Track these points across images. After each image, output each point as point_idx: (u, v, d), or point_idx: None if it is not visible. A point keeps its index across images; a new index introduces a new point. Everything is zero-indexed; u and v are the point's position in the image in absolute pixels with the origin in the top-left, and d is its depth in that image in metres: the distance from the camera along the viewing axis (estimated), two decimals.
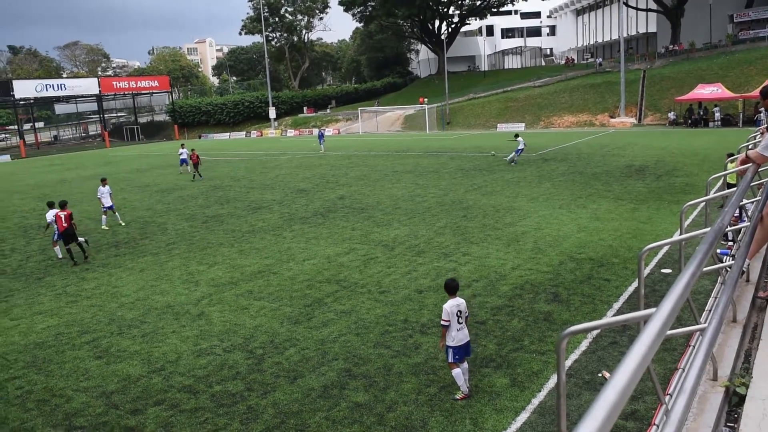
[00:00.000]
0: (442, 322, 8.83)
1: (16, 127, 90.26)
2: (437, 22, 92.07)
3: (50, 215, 18.94)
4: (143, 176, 40.67)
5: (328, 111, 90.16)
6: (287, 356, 10.74)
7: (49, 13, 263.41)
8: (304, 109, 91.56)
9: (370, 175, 32.78)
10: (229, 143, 73.49)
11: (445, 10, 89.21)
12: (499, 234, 18.05)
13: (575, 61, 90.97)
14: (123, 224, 23.66)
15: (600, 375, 9.28)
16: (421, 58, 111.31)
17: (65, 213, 18.14)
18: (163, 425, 8.78)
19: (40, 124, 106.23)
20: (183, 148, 40.58)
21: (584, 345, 10.33)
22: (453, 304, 8.85)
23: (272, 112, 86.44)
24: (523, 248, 16.42)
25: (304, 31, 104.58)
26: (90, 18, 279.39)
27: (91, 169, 48.93)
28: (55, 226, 18.59)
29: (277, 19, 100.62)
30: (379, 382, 9.54)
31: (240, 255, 17.81)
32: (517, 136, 34.36)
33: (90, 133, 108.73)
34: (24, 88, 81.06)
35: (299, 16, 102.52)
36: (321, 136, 51.89)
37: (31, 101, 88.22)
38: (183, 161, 39.66)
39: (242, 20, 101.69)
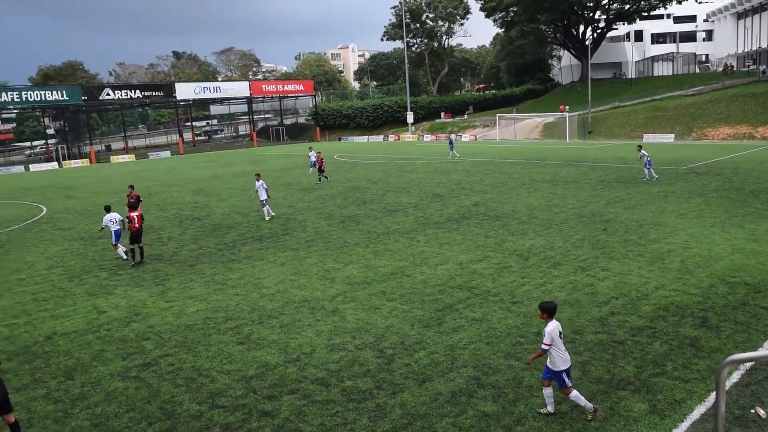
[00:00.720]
0: (544, 346, 8.43)
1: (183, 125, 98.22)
2: (582, 28, 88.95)
3: (107, 219, 19.87)
4: (286, 175, 42.78)
5: (466, 117, 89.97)
6: (417, 359, 10.84)
7: (209, 22, 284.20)
8: (442, 114, 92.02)
9: (506, 183, 32.31)
10: (367, 146, 75.41)
11: (591, 14, 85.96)
12: (642, 250, 17.10)
13: (734, 69, 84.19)
14: (267, 219, 25.00)
15: (753, 411, 8.53)
16: (563, 65, 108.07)
17: (137, 213, 19.20)
18: (296, 413, 9.17)
19: (202, 123, 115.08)
20: (312, 151, 42.29)
21: (735, 377, 9.54)
22: (554, 326, 8.52)
23: (410, 117, 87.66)
24: (669, 267, 15.44)
25: (444, 37, 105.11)
26: (244, 26, 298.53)
27: (240, 167, 52.18)
28: (113, 228, 19.69)
29: (418, 25, 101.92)
30: (509, 393, 9.38)
31: (374, 256, 18.22)
32: (640, 148, 32.22)
33: (240, 133, 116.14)
34: (184, 90, 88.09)
35: (440, 22, 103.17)
36: (451, 142, 51.84)
37: (190, 102, 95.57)
38: (313, 163, 41.18)
39: (384, 27, 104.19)
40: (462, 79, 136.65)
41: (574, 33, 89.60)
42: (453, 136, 61.25)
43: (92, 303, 15.40)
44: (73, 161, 78.79)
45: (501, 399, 9.22)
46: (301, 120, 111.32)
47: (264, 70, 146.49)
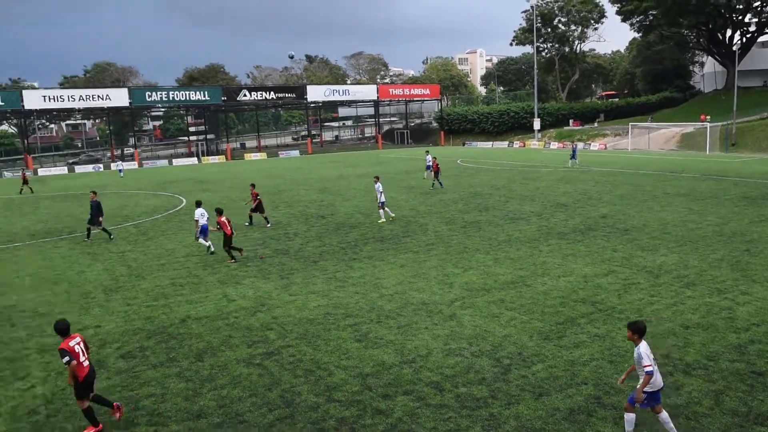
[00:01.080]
0: (648, 369, 7.82)
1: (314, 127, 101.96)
2: (729, 32, 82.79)
3: (198, 213, 21.06)
4: (409, 178, 43.22)
5: (596, 125, 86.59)
6: (534, 371, 10.57)
7: (341, 27, 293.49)
8: (570, 121, 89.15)
9: (636, 195, 30.76)
10: (491, 152, 74.55)
11: (740, 18, 79.70)
12: None
13: None
14: (384, 221, 25.37)
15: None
16: (706, 71, 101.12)
17: (226, 219, 19.92)
18: (409, 414, 9.24)
19: (334, 124, 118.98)
20: (428, 155, 41.95)
21: None
22: (646, 346, 7.96)
23: (537, 123, 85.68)
24: None
25: (576, 42, 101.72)
26: (374, 30, 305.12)
27: (364, 168, 53.37)
28: (201, 222, 20.81)
29: (549, 29, 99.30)
30: None
31: (495, 263, 17.99)
32: None
33: (365, 135, 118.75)
34: (315, 93, 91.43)
35: (573, 27, 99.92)
36: (574, 150, 49.97)
37: (320, 104, 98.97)
38: (428, 167, 40.87)
39: (514, 31, 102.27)
40: (593, 86, 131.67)
41: (720, 38, 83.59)
42: (577, 144, 59.15)
43: (223, 291, 16.35)
44: (210, 157, 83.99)
45: (623, 422, 8.78)
46: (426, 123, 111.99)
47: (391, 73, 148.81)
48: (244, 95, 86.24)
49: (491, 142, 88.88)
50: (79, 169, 75.48)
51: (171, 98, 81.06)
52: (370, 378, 10.59)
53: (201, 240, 21.07)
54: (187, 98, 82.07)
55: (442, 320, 13.32)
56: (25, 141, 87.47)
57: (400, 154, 73.29)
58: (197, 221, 21.05)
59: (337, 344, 12.22)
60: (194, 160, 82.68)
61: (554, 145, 79.39)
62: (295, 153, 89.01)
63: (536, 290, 15.14)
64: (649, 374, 7.88)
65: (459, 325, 12.94)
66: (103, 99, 76.70)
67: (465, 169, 49.06)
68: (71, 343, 9.20)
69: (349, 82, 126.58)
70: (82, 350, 9.32)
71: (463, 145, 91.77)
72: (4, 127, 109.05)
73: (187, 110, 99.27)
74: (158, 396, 10.29)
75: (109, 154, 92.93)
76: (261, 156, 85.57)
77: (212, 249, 20.79)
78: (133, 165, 75.56)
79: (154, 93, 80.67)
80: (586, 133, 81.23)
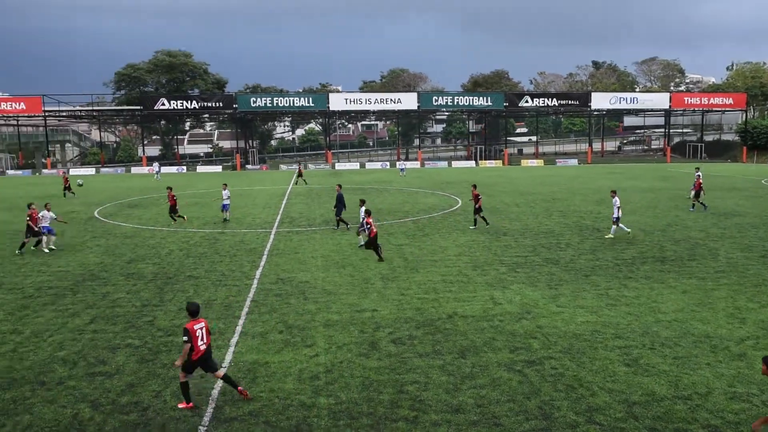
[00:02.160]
0: None
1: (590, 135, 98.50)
2: None
3: (225, 194, 24.13)
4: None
5: None
6: None
7: (632, 31, 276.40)
8: None
9: None
10: None
11: None
12: None
13: None
14: (612, 236, 24.17)
15: None
16: None
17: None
18: None
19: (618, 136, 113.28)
20: (697, 171, 35.58)
21: None
22: None
23: None
24: None
25: None
26: (670, 34, 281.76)
27: (648, 182, 49.78)
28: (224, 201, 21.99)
29: None
30: None
31: None
32: None
33: (652, 147, 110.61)
34: (600, 100, 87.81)
35: None
36: None
37: (604, 112, 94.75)
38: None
39: None
40: None
41: None
42: None
43: (490, 294, 16.61)
44: (488, 161, 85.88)
45: None
46: (726, 137, 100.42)
47: (688, 81, 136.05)
48: (526, 101, 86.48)
49: None
50: (369, 165, 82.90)
51: (456, 103, 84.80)
52: (636, 407, 9.87)
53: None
54: (470, 103, 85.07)
55: (728, 358, 11.84)
56: (328, 138, 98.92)
57: (689, 169, 66.75)
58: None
59: (603, 365, 11.61)
60: (472, 163, 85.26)
61: None
62: (573, 162, 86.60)
63: None
64: None
65: (749, 367, 11.39)
66: (395, 102, 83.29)
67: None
68: (195, 326, 10.01)
69: (638, 89, 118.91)
70: (203, 335, 10.11)
71: None
72: (312, 125, 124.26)
73: (469, 114, 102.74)
74: (421, 384, 10.85)
75: (395, 155, 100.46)
76: (538, 163, 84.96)
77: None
78: (415, 164, 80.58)
79: (440, 97, 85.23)
80: None
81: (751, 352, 12.13)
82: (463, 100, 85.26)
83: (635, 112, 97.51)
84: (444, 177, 58.77)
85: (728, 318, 14.28)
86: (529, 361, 11.82)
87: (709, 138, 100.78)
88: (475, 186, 28.36)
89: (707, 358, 11.88)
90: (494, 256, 21.25)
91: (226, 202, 30.83)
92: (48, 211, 23.95)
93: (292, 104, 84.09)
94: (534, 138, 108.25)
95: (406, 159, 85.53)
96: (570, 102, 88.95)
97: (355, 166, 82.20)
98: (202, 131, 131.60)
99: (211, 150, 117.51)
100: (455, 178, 57.16)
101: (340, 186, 29.28)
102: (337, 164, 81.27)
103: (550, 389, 10.58)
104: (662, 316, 14.47)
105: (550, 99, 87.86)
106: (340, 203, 27.55)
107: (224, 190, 31.01)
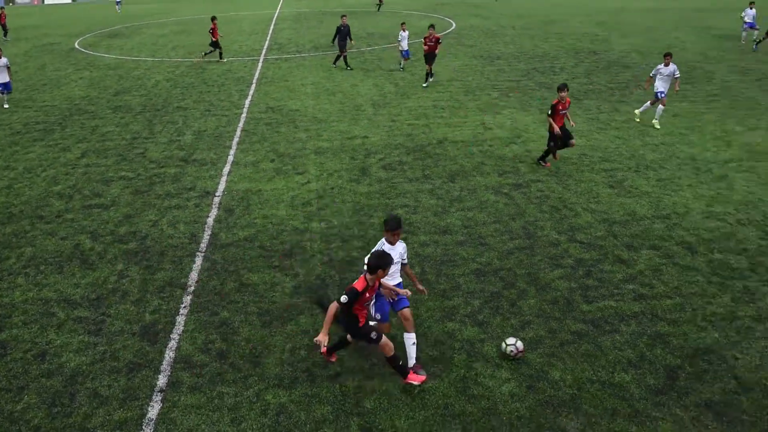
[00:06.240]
0: None
1: None
2: None
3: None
4: (709, 17, 37.59)
5: None
6: None
7: None
8: None
9: None
10: None
11: None
12: None
13: None
14: None
15: None
16: None
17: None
18: (652, 269, 8.91)
19: None
20: None
21: None
22: None
23: None
24: None
25: None
26: None
27: (651, 1, 47.54)
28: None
29: None
30: None
31: None
32: None
33: None
34: None
35: None
36: None
37: None
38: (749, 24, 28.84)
39: None
40: None
41: None
42: None
43: (481, 119, 16.57)
44: None
45: None
46: None
47: None
48: None
49: None
50: None
51: None
52: (616, 226, 10.29)
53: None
54: None
55: (710, 180, 12.14)
56: None
57: None
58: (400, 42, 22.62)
59: (588, 187, 11.92)
60: None
61: None
62: None
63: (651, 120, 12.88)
64: None
65: (728, 189, 11.72)
66: None
67: None
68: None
69: None
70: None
71: None
72: None
73: None
74: (411, 207, 11.19)
75: None
76: None
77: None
78: None
79: None
80: None
81: (732, 174, 12.41)
82: None
83: None
84: None
85: (715, 141, 14.42)
86: (516, 185, 12.11)
87: None
88: (432, 26, 20.83)
89: (690, 180, 12.17)
90: (487, 81, 20.92)
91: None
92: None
93: None
94: None
95: None
96: None
97: None
98: None
99: None
100: None
101: (345, 16, 24.04)
102: None
103: (535, 211, 10.94)
104: (650, 139, 14.58)
105: None
106: (342, 37, 23.14)
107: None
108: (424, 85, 20.49)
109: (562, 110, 12.70)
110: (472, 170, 12.91)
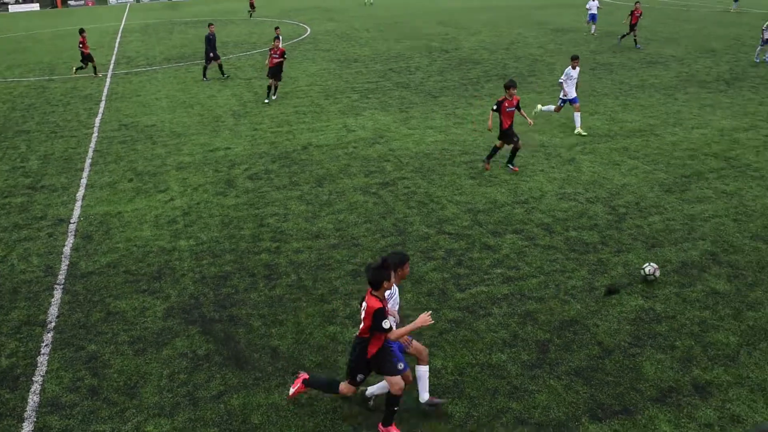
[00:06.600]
0: None
1: None
2: None
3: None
4: (540, 13, 40.35)
5: None
6: (650, 222, 10.32)
7: None
8: None
9: None
10: None
11: None
12: None
13: None
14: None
15: None
16: None
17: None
18: (516, 252, 9.45)
19: None
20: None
21: None
22: None
23: None
24: None
25: None
26: None
27: (491, 0, 50.26)
28: None
29: None
30: (747, 276, 8.63)
31: (623, 109, 17.03)
32: None
33: None
34: None
35: None
36: None
37: None
38: (593, 17, 30.94)
39: None
40: None
41: None
42: None
43: (343, 122, 16.74)
44: None
45: (737, 280, 8.54)
46: None
47: None
48: None
49: None
50: None
51: None
52: (481, 214, 10.80)
53: None
54: None
55: (560, 164, 13.06)
56: None
57: None
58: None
59: (452, 180, 12.40)
60: None
61: None
62: None
63: (665, 140, 14.32)
64: None
65: (577, 170, 12.67)
66: None
67: (605, 5, 45.01)
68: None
69: None
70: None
71: None
72: None
73: None
74: (281, 216, 11.09)
75: None
76: None
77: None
78: None
79: None
80: None
81: (579, 157, 13.42)
82: None
83: None
84: (291, 4, 55.87)
85: (561, 127, 15.52)
86: (383, 183, 12.35)
87: None
88: (277, 37, 19.80)
89: (542, 165, 13.02)
90: (346, 84, 21.17)
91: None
92: None
93: None
94: None
95: None
96: None
97: None
98: None
99: None
100: (305, 4, 54.55)
101: (211, 25, 22.94)
102: None
103: (404, 207, 11.23)
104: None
105: None
106: (211, 47, 22.27)
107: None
108: (266, 101, 18.97)
109: (509, 107, 12.22)
110: (339, 173, 13.01)
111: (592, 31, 30.36)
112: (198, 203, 11.78)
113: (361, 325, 5.73)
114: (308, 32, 35.22)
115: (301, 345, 7.42)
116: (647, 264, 8.58)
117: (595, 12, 30.40)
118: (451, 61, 24.66)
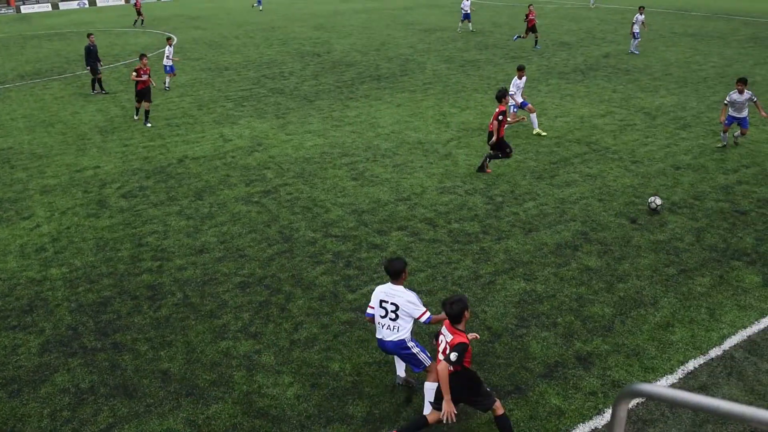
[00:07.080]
0: None
1: None
2: None
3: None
4: (409, 14, 41.40)
5: None
6: (525, 208, 10.88)
7: None
8: None
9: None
10: None
11: None
12: None
13: None
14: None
15: None
16: None
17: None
18: (403, 248, 9.64)
19: None
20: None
21: None
22: None
23: None
24: None
25: None
26: None
27: (361, 3, 50.93)
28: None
29: None
30: (615, 251, 9.33)
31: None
32: None
33: None
34: None
35: None
36: None
37: None
38: (466, 15, 31.82)
39: None
40: None
41: None
42: None
43: (219, 131, 16.33)
44: None
45: (606, 255, 9.20)
46: None
47: None
48: None
49: None
50: (63, 5, 72.10)
51: None
52: (365, 215, 10.91)
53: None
54: None
55: (438, 159, 13.46)
56: None
57: None
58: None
59: (334, 183, 12.44)
60: None
61: None
62: None
63: (532, 130, 15.13)
64: None
65: (454, 164, 13.11)
66: None
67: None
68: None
69: None
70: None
71: None
72: None
73: None
74: (161, 233, 10.65)
75: None
76: None
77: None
78: None
79: None
80: None
81: (455, 151, 13.90)
82: None
83: None
84: (153, 12, 53.72)
85: (436, 124, 16.00)
86: (266, 191, 12.18)
87: None
88: (145, 55, 17.54)
89: (421, 161, 13.35)
90: (218, 93, 20.67)
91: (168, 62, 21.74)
92: None
93: None
94: None
95: None
96: None
97: (46, 8, 70.86)
98: None
99: None
100: (168, 12, 52.62)
101: (91, 35, 21.71)
102: (22, 7, 69.18)
103: (288, 214, 11.13)
104: (381, 130, 15.68)
105: None
106: (93, 58, 21.02)
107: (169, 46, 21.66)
108: (136, 117, 17.86)
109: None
110: (219, 184, 12.69)
111: (458, 29, 31.64)
112: (68, 228, 11.07)
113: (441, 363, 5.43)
114: (175, 41, 33.95)
115: (193, 364, 7.17)
116: (650, 200, 10.45)
117: (468, 11, 31.67)
118: (324, 64, 24.72)
